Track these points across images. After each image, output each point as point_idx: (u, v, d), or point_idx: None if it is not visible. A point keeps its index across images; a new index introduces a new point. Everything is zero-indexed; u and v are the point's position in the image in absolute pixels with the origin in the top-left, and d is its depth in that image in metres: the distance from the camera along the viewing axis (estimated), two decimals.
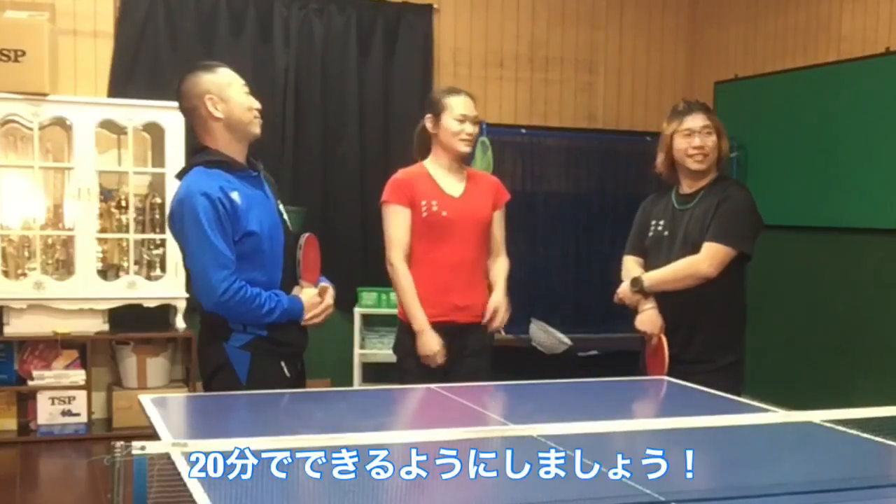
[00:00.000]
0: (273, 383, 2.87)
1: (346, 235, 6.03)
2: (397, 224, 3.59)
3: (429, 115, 3.64)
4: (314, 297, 2.99)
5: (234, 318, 2.86)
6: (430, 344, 3.52)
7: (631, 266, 3.64)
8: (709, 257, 3.38)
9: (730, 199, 3.42)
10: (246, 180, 2.93)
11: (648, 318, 3.49)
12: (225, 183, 2.84)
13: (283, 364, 2.95)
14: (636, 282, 3.50)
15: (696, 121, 3.47)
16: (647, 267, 3.57)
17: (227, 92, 2.92)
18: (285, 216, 3.05)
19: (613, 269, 3.81)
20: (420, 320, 3.53)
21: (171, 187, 5.35)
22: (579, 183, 6.59)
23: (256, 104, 2.96)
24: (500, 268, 3.73)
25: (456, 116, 3.57)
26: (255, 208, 2.89)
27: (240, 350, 2.88)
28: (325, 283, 3.10)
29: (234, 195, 2.83)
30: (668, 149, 3.55)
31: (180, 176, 2.95)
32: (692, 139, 3.47)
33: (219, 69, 2.96)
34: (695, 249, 3.41)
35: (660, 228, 3.56)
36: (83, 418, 5.29)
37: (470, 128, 3.59)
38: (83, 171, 5.31)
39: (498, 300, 3.66)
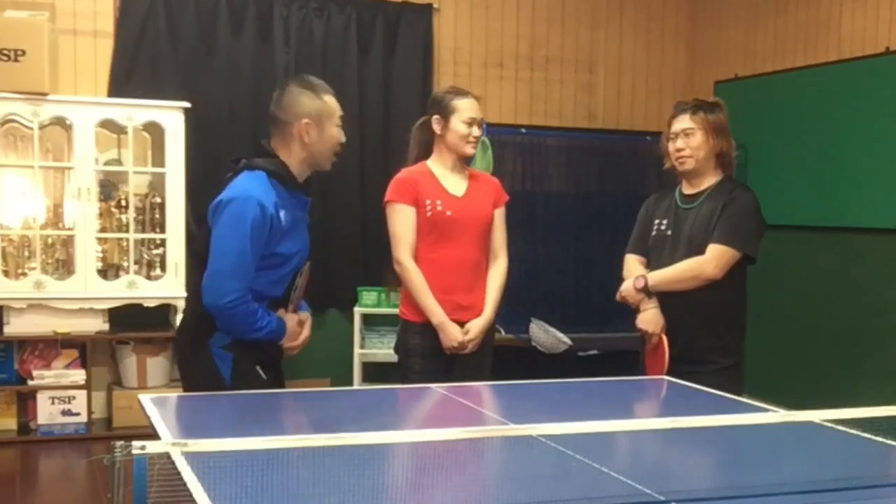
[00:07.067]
0: (254, 384, 2.87)
1: (346, 235, 6.03)
2: (403, 222, 3.59)
3: (436, 117, 3.61)
4: (296, 326, 3.00)
5: (224, 326, 2.84)
6: (454, 335, 3.54)
7: (633, 265, 3.64)
8: (714, 258, 3.38)
9: (736, 201, 3.43)
10: (297, 201, 2.94)
11: (650, 318, 3.49)
12: (279, 200, 2.84)
13: (258, 368, 2.94)
14: (640, 281, 3.50)
15: (678, 123, 3.52)
16: (650, 266, 3.58)
17: (326, 124, 2.93)
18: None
19: (613, 268, 3.81)
20: (438, 314, 3.54)
21: (172, 187, 5.40)
22: (579, 183, 6.58)
23: (343, 139, 2.97)
24: (496, 276, 3.69)
25: (465, 119, 3.58)
26: (293, 232, 2.91)
27: (223, 350, 2.88)
28: (305, 312, 3.09)
29: (282, 214, 2.84)
30: (666, 151, 3.60)
31: (239, 170, 2.89)
32: (675, 142, 3.51)
33: (325, 96, 2.94)
34: (699, 250, 3.42)
35: (663, 228, 3.56)
36: (83, 418, 5.29)
37: (477, 131, 3.61)
38: (83, 171, 5.31)
39: (478, 325, 3.60)
